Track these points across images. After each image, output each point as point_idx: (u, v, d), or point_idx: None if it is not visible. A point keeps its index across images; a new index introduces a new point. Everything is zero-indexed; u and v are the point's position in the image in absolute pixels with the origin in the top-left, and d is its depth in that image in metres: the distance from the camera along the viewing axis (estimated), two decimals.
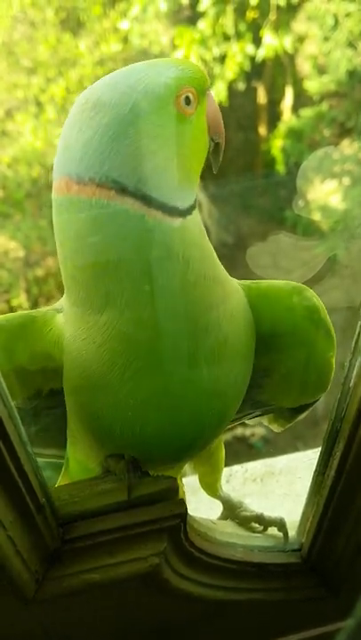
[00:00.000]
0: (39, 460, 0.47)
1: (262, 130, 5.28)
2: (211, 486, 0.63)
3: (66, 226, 0.42)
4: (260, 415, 0.61)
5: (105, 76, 0.43)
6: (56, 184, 0.42)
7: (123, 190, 0.40)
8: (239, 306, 0.49)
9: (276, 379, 0.55)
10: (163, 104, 0.41)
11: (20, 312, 0.49)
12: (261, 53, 4.34)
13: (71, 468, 0.57)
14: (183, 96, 0.42)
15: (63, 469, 0.60)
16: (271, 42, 4.28)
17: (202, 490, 0.64)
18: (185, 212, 0.43)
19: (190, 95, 0.43)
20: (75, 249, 0.43)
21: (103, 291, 0.42)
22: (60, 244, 0.44)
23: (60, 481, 0.60)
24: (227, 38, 4.43)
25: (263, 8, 4.37)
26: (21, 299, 4.85)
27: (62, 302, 0.48)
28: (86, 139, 0.40)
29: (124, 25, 4.69)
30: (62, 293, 0.48)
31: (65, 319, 0.47)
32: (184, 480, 0.67)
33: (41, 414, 0.52)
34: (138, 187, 0.40)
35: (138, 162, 0.40)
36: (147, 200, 0.40)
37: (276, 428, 0.63)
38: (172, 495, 0.49)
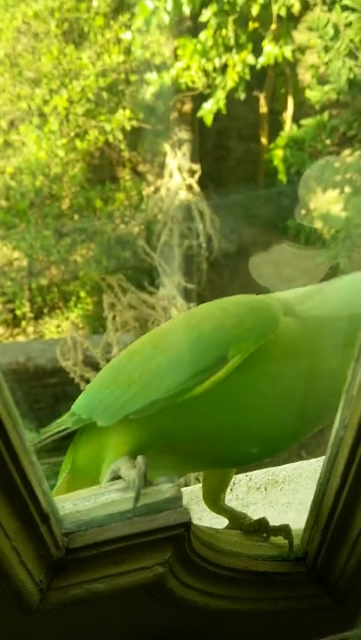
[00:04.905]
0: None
1: (264, 139, 5.30)
2: (215, 497, 0.62)
3: None
4: None
5: None
6: None
7: None
8: None
9: None
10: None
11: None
12: (261, 61, 4.37)
13: (75, 469, 0.58)
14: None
15: (60, 480, 0.60)
16: (271, 50, 4.32)
17: None
18: None
19: None
20: None
21: None
22: None
23: (57, 490, 0.60)
24: (228, 49, 4.46)
25: (264, 18, 4.39)
26: (25, 308, 4.85)
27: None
28: None
29: (126, 36, 4.73)
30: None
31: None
32: (188, 489, 0.67)
33: None
34: None
35: None
36: None
37: None
38: (177, 504, 0.49)
